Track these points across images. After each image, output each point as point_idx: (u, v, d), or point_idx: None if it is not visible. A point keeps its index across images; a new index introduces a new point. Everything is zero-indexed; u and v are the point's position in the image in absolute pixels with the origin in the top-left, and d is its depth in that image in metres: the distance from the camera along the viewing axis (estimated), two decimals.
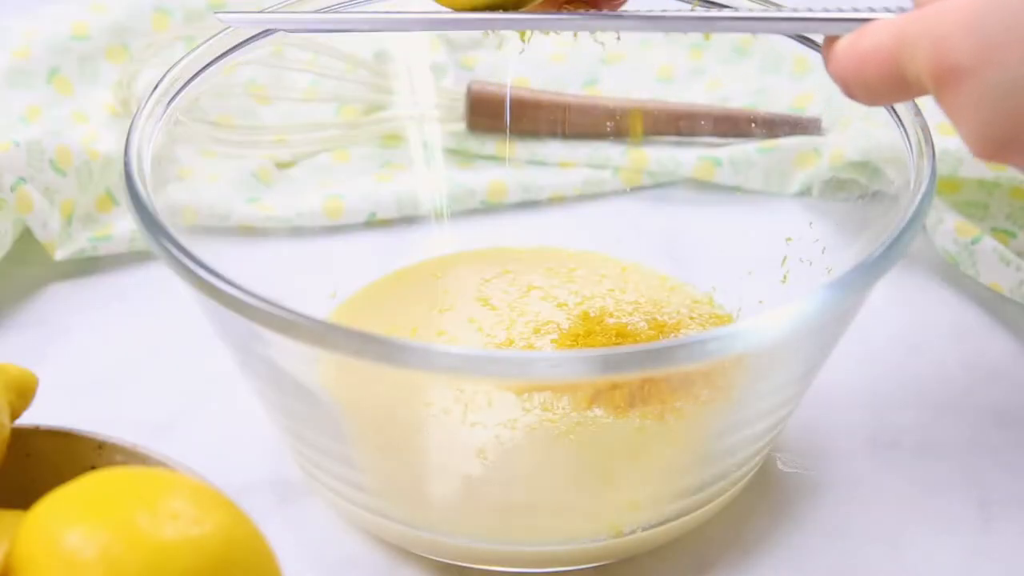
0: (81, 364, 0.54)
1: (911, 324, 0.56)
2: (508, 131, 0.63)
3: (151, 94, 0.46)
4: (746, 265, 0.53)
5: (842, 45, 0.38)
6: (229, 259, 0.44)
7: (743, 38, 0.61)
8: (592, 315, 0.52)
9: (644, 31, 0.42)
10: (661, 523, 0.44)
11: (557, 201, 0.61)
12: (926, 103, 0.39)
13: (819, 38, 0.41)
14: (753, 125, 0.60)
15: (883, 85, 0.36)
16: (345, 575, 0.45)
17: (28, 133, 0.58)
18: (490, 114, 0.63)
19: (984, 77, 0.33)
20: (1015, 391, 0.52)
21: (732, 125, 0.61)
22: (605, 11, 0.42)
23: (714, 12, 0.42)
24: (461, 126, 0.63)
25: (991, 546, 0.46)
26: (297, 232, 0.58)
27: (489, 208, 0.61)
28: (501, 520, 0.44)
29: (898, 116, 0.45)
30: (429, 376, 0.39)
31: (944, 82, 0.34)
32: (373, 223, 0.60)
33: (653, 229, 0.59)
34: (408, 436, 0.44)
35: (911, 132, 0.44)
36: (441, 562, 0.45)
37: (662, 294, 0.54)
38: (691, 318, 0.52)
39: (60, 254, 0.57)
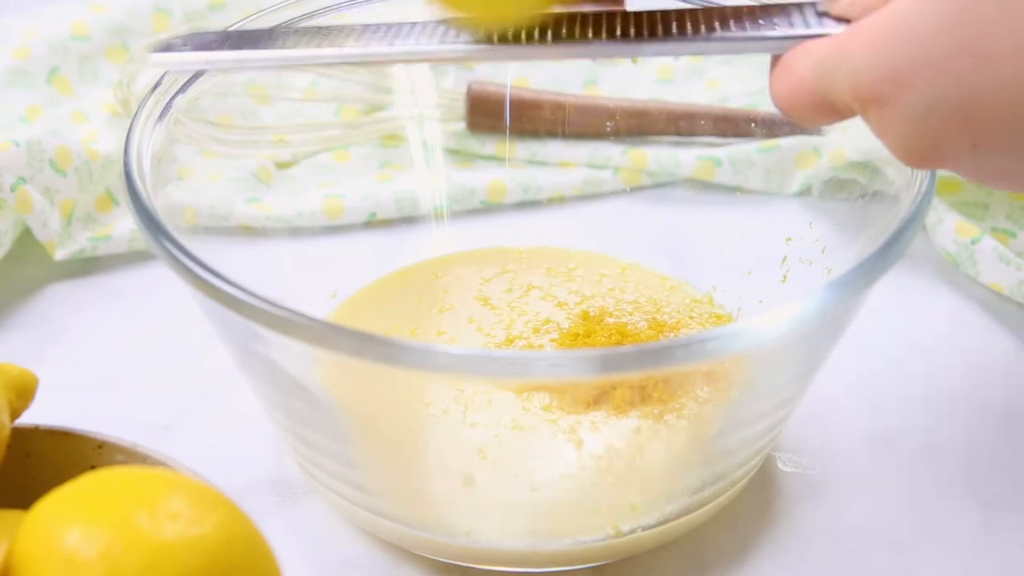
0: (81, 364, 0.54)
1: (911, 324, 0.56)
2: (508, 131, 0.63)
3: (151, 94, 0.46)
4: (746, 265, 0.53)
5: (773, 78, 0.39)
6: (229, 259, 0.44)
7: None
8: (592, 315, 0.52)
9: (569, 58, 0.41)
10: (661, 523, 0.44)
11: (557, 201, 0.61)
12: None
13: None
14: (753, 125, 0.60)
15: (815, 113, 0.38)
16: (345, 575, 0.45)
17: (28, 133, 0.58)
18: (490, 114, 0.63)
19: (901, 102, 0.35)
20: (1015, 391, 0.52)
21: (732, 125, 0.61)
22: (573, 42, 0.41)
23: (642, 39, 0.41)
24: (461, 126, 0.63)
25: (991, 546, 0.46)
26: (297, 232, 0.58)
27: (489, 208, 0.61)
28: (500, 520, 0.44)
29: None
30: (429, 376, 0.39)
31: (867, 107, 0.36)
32: (373, 223, 0.60)
33: (653, 229, 0.59)
34: (408, 436, 0.44)
35: None
36: (441, 562, 0.45)
37: (662, 294, 0.54)
38: (691, 318, 0.52)
39: (60, 254, 0.57)
